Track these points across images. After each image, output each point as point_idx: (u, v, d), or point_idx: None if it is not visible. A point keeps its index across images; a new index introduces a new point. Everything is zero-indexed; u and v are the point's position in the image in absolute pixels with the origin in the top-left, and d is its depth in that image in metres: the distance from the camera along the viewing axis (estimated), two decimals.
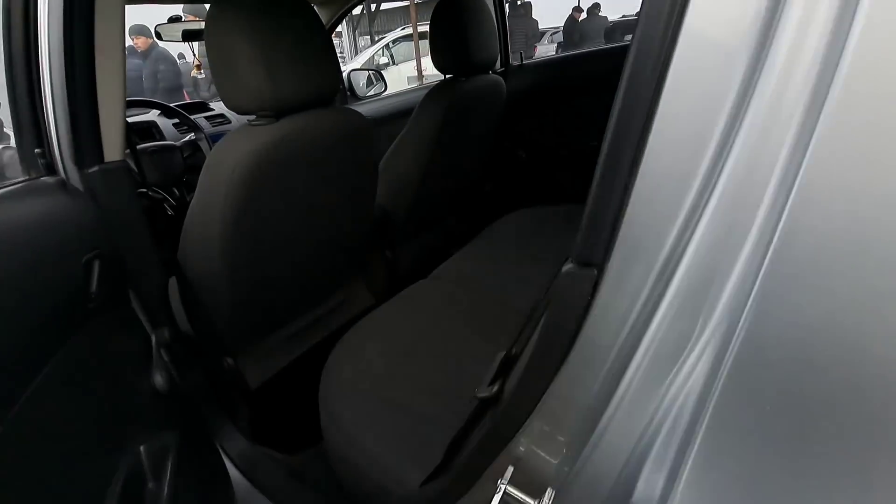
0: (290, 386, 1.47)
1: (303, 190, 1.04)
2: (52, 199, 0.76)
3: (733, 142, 0.35)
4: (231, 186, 0.90)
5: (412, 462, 0.81)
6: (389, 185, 1.57)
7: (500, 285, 1.33)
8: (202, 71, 3.73)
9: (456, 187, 1.85)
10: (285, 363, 1.33)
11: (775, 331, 0.35)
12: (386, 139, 1.65)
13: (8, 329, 0.56)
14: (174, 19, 1.92)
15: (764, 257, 0.35)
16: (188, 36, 1.86)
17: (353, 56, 10.07)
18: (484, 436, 0.61)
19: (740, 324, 0.37)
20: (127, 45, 0.95)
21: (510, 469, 0.55)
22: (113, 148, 0.86)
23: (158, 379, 0.82)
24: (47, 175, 0.84)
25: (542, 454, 0.55)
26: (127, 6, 0.86)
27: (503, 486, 0.53)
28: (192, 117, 1.66)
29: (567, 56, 1.97)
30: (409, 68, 7.61)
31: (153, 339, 0.86)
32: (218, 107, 1.91)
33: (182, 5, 2.05)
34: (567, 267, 0.45)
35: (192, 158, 1.57)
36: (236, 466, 1.12)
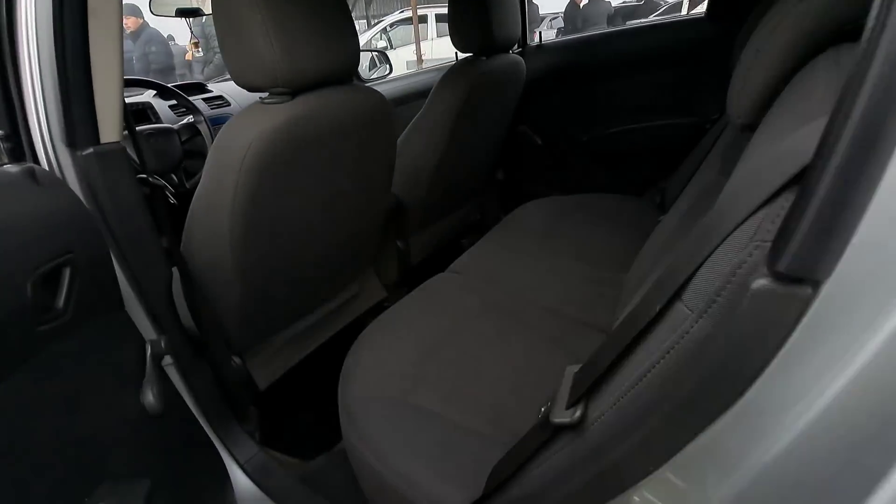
0: (300, 385, 1.39)
1: (320, 175, 0.95)
2: (9, 195, 0.62)
3: None
4: (242, 172, 0.81)
5: (455, 484, 0.73)
6: (403, 172, 1.48)
7: (523, 280, 1.25)
8: (199, 49, 3.57)
9: (470, 174, 1.76)
10: (295, 361, 1.25)
11: None
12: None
13: None
14: None
15: None
16: (183, 13, 1.75)
17: None
18: (577, 478, 0.49)
19: None
20: None
21: None
22: (110, 128, 0.76)
23: (150, 398, 0.72)
24: (10, 163, 0.72)
25: None
26: None
27: None
28: (190, 99, 1.55)
29: (591, 36, 1.87)
30: (407, 53, 7.45)
31: (148, 349, 0.76)
32: (216, 88, 1.80)
33: None
34: (760, 283, 0.31)
35: (190, 143, 1.47)
36: (245, 473, 1.04)
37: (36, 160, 0.74)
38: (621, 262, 1.32)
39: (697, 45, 1.57)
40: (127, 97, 1.63)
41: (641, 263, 1.04)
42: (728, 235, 0.33)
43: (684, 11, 8.18)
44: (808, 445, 0.32)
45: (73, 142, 0.72)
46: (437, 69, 2.24)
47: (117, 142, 0.76)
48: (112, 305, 0.74)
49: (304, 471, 1.12)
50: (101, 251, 0.70)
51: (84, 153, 0.73)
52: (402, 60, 7.42)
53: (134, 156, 1.18)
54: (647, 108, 1.70)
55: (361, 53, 2.47)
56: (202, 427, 0.97)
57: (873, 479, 0.30)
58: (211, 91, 1.80)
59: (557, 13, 8.09)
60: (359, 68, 2.33)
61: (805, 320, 0.30)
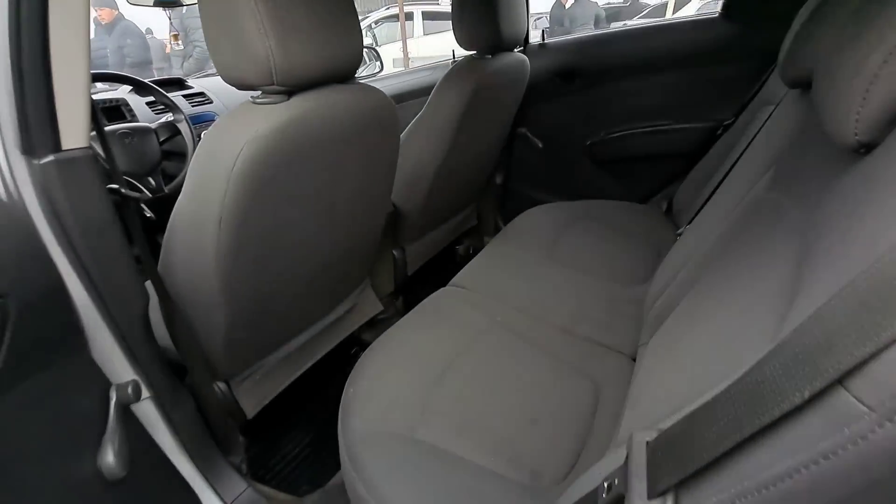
0: (291, 411, 1.29)
1: (318, 184, 0.85)
2: None
3: None
4: (231, 181, 0.70)
5: None
6: (401, 178, 1.38)
7: (532, 296, 1.17)
8: (179, 41, 3.40)
9: (470, 178, 1.67)
10: (286, 384, 1.14)
11: None
12: None
13: None
14: None
15: None
16: (162, 2, 1.62)
17: None
18: None
19: None
20: None
21: None
22: (75, 131, 0.64)
23: (109, 460, 0.60)
24: None
25: None
26: None
27: None
28: (169, 95, 1.43)
29: (596, 35, 1.79)
30: (394, 50, 7.31)
31: (113, 396, 0.63)
32: (198, 84, 1.67)
33: None
34: None
35: (169, 143, 1.35)
36: None
37: None
38: (635, 275, 1.25)
39: (712, 46, 1.50)
40: (99, 93, 1.50)
41: (665, 280, 0.96)
42: None
43: (669, 13, 8.21)
44: None
45: (29, 148, 0.61)
46: (433, 67, 2.14)
47: (84, 147, 0.64)
48: (66, 350, 0.62)
49: None
50: (51, 287, 0.58)
51: (43, 162, 0.61)
52: (388, 58, 7.28)
53: (105, 162, 1.06)
54: (654, 112, 1.63)
55: None
56: (179, 475, 0.85)
57: None
58: (192, 87, 1.67)
59: (542, 13, 8.05)
60: None
61: None
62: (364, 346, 1.58)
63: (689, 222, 1.16)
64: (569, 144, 1.80)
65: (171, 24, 2.81)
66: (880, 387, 0.24)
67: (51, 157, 0.61)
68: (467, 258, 1.84)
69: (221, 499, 0.93)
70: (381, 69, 2.34)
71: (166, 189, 1.28)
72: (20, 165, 0.61)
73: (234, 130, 0.71)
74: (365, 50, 2.46)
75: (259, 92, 0.74)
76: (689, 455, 0.34)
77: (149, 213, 0.76)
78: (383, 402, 0.86)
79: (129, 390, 0.63)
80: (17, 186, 0.61)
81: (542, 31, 1.86)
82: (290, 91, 0.75)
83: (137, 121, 1.41)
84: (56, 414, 0.59)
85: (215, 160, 0.71)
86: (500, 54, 1.34)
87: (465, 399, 0.87)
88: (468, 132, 1.35)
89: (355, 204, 1.00)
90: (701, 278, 0.78)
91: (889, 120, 0.42)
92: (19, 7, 0.58)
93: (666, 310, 0.87)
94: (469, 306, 1.11)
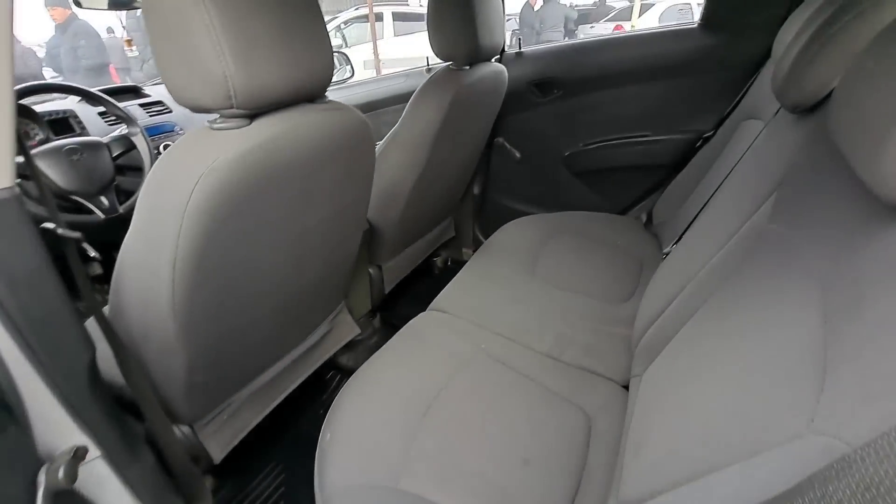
0: (263, 452, 1.20)
1: (286, 214, 0.78)
2: None
3: None
4: (187, 216, 0.62)
5: None
6: (377, 195, 1.31)
7: (516, 319, 1.11)
8: (133, 47, 3.23)
9: (448, 191, 1.61)
10: (256, 422, 1.06)
11: None
12: None
13: None
14: None
15: None
16: (115, 4, 1.50)
17: None
18: None
19: None
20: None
21: None
22: None
23: None
24: None
25: None
26: None
27: None
28: (122, 106, 1.32)
29: (575, 44, 1.76)
30: (364, 52, 7.19)
31: (42, 480, 0.52)
32: (154, 92, 1.56)
33: None
34: None
35: (123, 158, 1.25)
36: None
37: None
38: (620, 292, 1.21)
39: (691, 57, 1.48)
40: (44, 103, 1.38)
41: (655, 308, 0.92)
42: None
43: (635, 16, 8.33)
44: None
45: None
46: (406, 74, 2.07)
47: (7, 188, 0.55)
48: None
49: None
50: None
51: None
52: (358, 60, 7.15)
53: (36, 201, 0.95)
54: (633, 123, 1.60)
55: None
56: None
57: None
58: (149, 95, 1.56)
59: (510, 15, 8.04)
60: None
61: None
62: (340, 369, 1.51)
63: (676, 242, 1.13)
64: (547, 154, 1.76)
65: (123, 27, 2.64)
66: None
67: None
68: (445, 270, 1.78)
69: None
70: (352, 74, 2.24)
71: (121, 209, 1.18)
72: None
73: (188, 161, 0.63)
74: (336, 55, 2.38)
75: (217, 116, 0.67)
76: None
77: (93, 253, 0.67)
78: (363, 449, 0.79)
79: (61, 474, 0.53)
80: None
81: (513, 31, 1.82)
82: (251, 114, 0.67)
83: (88, 134, 1.30)
84: None
85: (167, 195, 0.63)
86: (477, 65, 1.29)
87: (452, 441, 0.81)
88: (446, 145, 1.29)
89: (329, 229, 0.92)
90: (699, 312, 0.74)
91: None
92: None
93: (659, 341, 0.83)
94: (452, 333, 1.06)
